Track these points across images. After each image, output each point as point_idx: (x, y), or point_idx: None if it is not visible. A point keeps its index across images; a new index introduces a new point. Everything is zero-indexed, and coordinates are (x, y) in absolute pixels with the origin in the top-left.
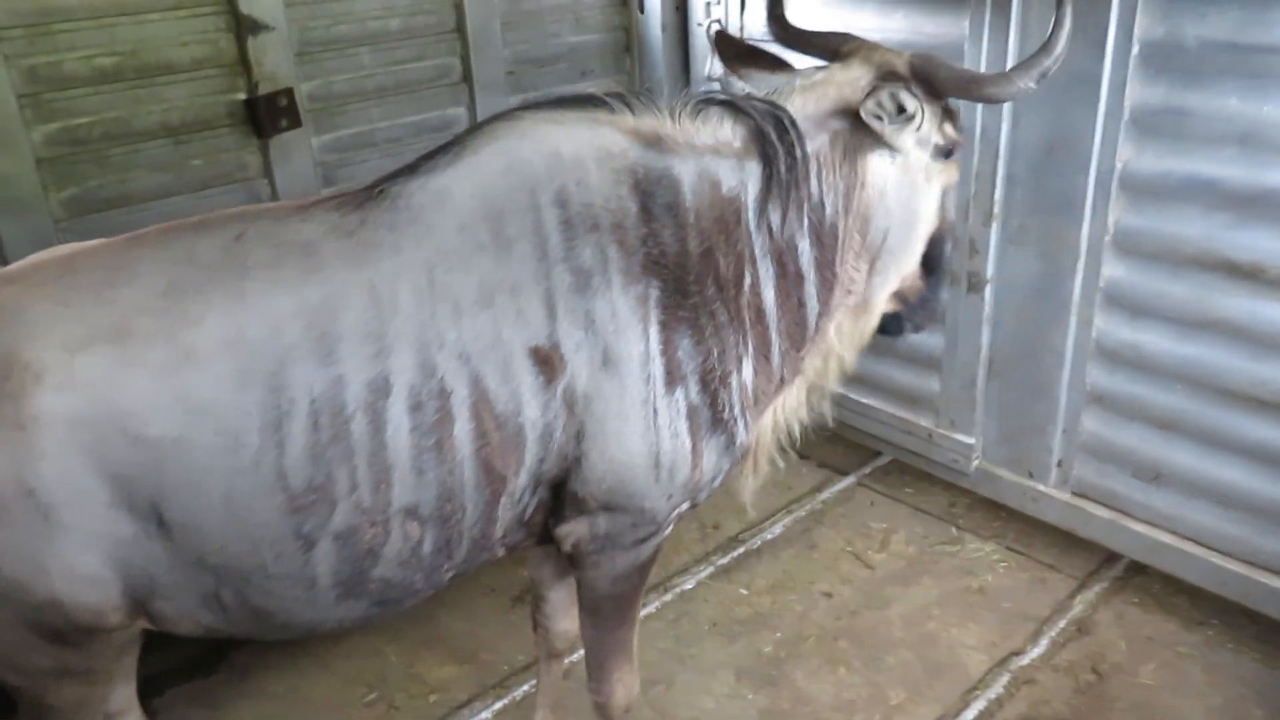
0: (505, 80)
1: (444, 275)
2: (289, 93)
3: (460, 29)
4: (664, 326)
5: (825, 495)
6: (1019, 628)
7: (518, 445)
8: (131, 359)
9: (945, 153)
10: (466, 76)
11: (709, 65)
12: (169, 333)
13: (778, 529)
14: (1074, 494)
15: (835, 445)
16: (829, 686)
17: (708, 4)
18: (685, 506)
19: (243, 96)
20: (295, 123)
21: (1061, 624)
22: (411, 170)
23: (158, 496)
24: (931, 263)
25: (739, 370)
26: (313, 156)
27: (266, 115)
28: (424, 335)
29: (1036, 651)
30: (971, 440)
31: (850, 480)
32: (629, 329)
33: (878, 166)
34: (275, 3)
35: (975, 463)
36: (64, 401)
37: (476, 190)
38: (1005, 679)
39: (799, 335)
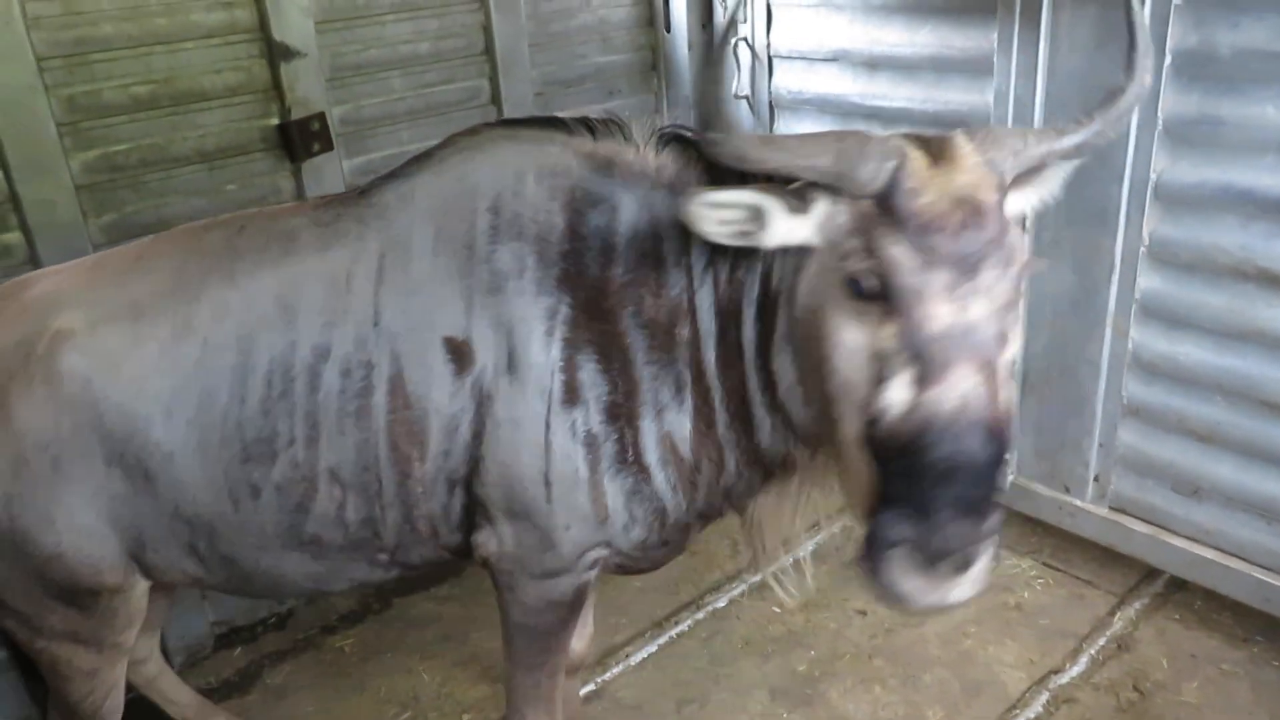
0: (534, 101)
1: (390, 263)
2: (321, 117)
3: (489, 52)
4: (568, 344)
5: None
6: (1058, 645)
7: (423, 428)
8: (143, 331)
9: (868, 292)
10: (495, 98)
11: (736, 83)
12: (174, 309)
13: (811, 546)
14: (1112, 509)
15: None
16: (865, 705)
17: (734, 22)
18: (600, 552)
19: (276, 121)
20: (327, 146)
21: (1101, 641)
22: (390, 175)
23: (145, 454)
24: (902, 475)
25: (658, 418)
26: (344, 179)
27: (299, 139)
28: (364, 312)
29: (1076, 669)
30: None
31: None
32: (534, 337)
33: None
34: (307, 29)
35: (1010, 478)
36: (84, 363)
37: (432, 193)
38: (1045, 697)
39: (744, 420)
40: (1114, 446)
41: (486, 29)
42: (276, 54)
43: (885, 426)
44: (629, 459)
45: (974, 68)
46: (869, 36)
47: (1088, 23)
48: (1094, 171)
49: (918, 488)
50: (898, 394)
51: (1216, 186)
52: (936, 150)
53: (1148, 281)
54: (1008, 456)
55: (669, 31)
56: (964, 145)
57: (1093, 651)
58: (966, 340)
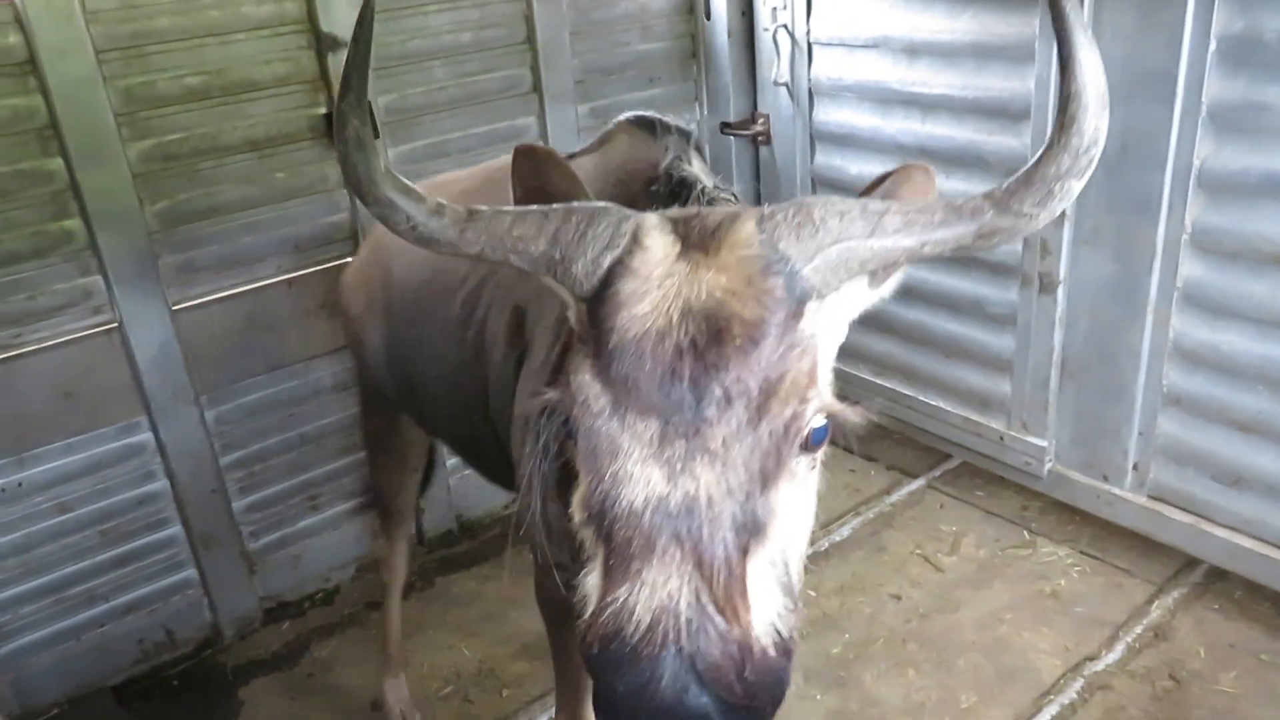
0: (574, 89)
1: None
2: (367, 106)
3: (530, 40)
4: None
5: (894, 498)
6: (1094, 633)
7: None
8: None
9: (570, 433)
10: (536, 87)
11: (775, 70)
12: None
13: (846, 531)
14: (1151, 497)
15: (905, 448)
16: (898, 689)
17: (774, 9)
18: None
19: (323, 111)
20: (373, 135)
21: (1138, 630)
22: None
23: (403, 321)
24: (599, 694)
25: None
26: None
27: None
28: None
29: (1112, 657)
30: (1044, 443)
31: (920, 483)
32: None
33: None
34: (353, 20)
35: (1048, 465)
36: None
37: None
38: (1079, 684)
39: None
40: (1154, 435)
41: (528, 18)
42: (324, 45)
43: (583, 626)
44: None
45: (1015, 54)
46: (909, 22)
47: (1130, 9)
48: (1136, 159)
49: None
50: (591, 585)
51: (1261, 174)
52: (699, 235)
53: (1190, 270)
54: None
55: (709, 19)
56: (744, 229)
57: (1129, 640)
58: (669, 525)
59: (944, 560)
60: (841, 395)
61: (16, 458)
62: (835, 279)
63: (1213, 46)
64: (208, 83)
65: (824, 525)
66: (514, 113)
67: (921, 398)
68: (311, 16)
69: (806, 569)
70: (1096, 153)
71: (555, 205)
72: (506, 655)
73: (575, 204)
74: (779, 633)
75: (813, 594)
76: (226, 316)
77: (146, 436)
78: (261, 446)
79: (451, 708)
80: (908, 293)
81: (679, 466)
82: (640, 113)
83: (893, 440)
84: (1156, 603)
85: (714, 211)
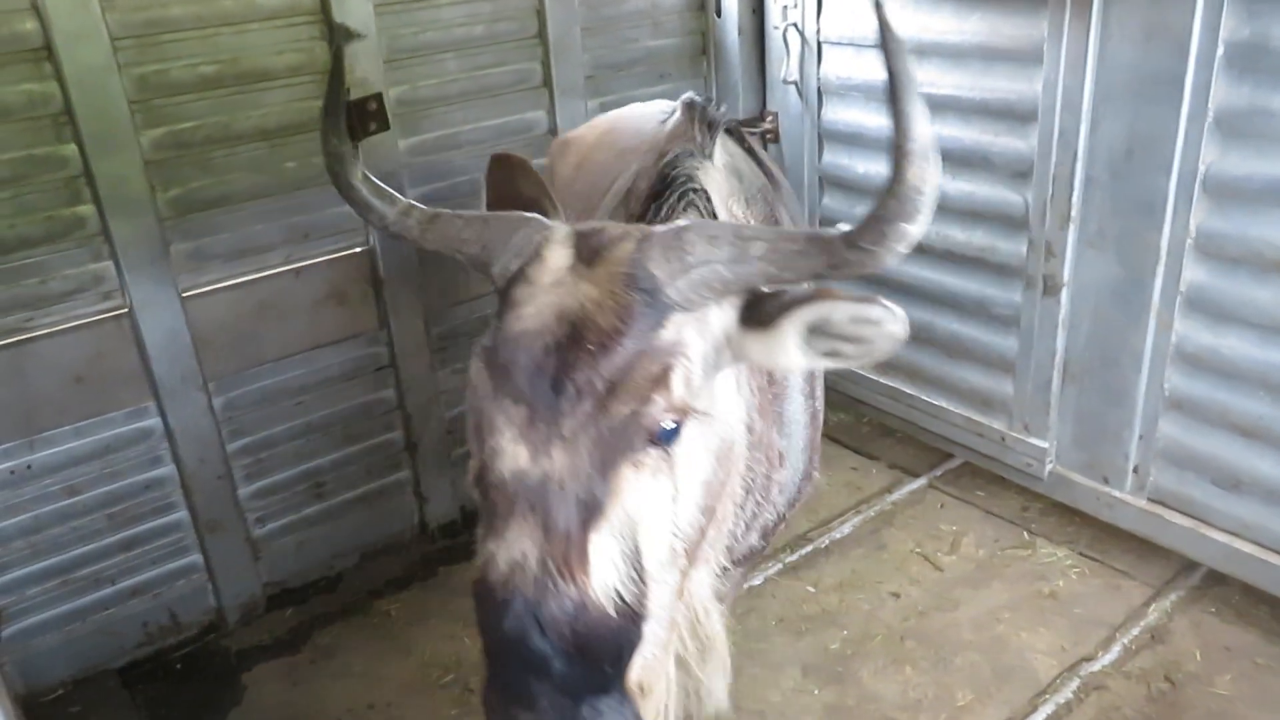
0: (584, 85)
1: None
2: (378, 97)
3: (541, 35)
4: None
5: (895, 496)
6: (1091, 634)
7: None
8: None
9: None
10: (547, 81)
11: (785, 69)
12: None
13: (847, 528)
14: (1150, 500)
15: (906, 446)
16: (895, 685)
17: (784, 8)
18: None
19: None
20: (384, 126)
21: (1135, 631)
22: None
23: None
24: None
25: None
26: (399, 158)
27: (357, 119)
28: None
29: (1108, 658)
30: (1045, 444)
31: (921, 482)
32: None
33: None
34: (366, 12)
35: (1049, 467)
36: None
37: None
38: (1075, 684)
39: None
40: (1154, 438)
41: (539, 13)
42: (337, 35)
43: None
44: None
45: (1023, 56)
46: (918, 23)
47: (1139, 13)
48: (1141, 164)
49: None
50: (480, 537)
51: (1266, 180)
52: (589, 251)
53: (1193, 274)
54: (582, 659)
55: (719, 16)
56: (623, 249)
57: (1125, 641)
58: (528, 496)
59: (943, 559)
60: (846, 395)
61: (27, 440)
62: (700, 296)
63: (1220, 52)
64: (221, 72)
65: (824, 522)
66: (524, 107)
67: (924, 397)
68: (325, 7)
69: (806, 565)
70: (925, 200)
71: (491, 214)
72: None
73: (506, 215)
74: (621, 599)
75: (812, 590)
76: (236, 304)
77: (155, 421)
78: (268, 434)
79: (452, 696)
80: (912, 292)
81: (539, 448)
82: (696, 97)
83: (895, 439)
84: (1154, 605)
85: (613, 228)
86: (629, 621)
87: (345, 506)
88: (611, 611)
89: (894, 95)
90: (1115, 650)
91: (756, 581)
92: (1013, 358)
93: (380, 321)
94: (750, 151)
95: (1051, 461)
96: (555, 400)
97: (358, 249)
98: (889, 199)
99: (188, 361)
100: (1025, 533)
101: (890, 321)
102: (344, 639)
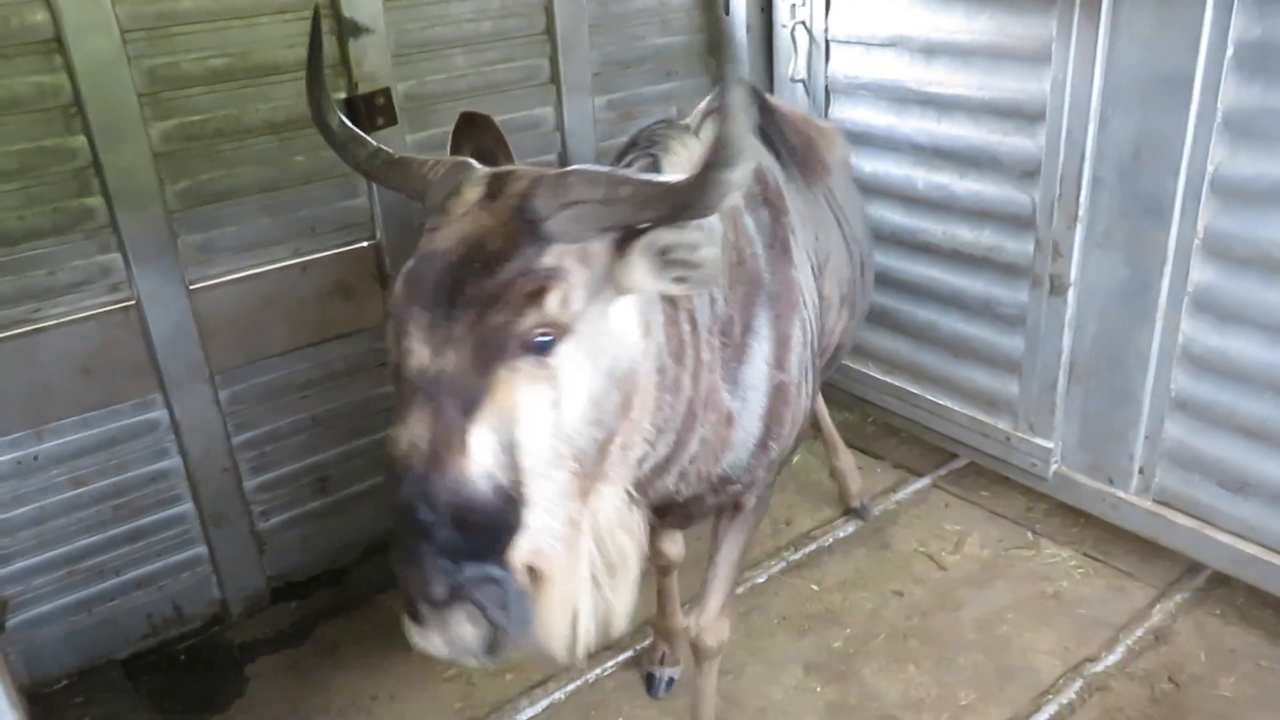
0: (592, 81)
1: None
2: (386, 92)
3: (550, 32)
4: None
5: (900, 495)
6: (1094, 634)
7: None
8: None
9: None
10: (554, 78)
11: (792, 67)
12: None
13: (850, 527)
14: (1156, 502)
15: (911, 446)
16: (898, 684)
17: (792, 6)
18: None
19: (343, 96)
20: (391, 120)
21: (1139, 632)
22: None
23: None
24: None
25: None
26: (406, 153)
27: (365, 113)
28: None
29: (1112, 659)
30: (1050, 444)
31: (925, 481)
32: None
33: None
34: (375, 6)
35: (1054, 467)
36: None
37: None
38: (1078, 685)
39: None
40: (1160, 439)
41: (548, 9)
42: (346, 30)
43: None
44: None
45: (1032, 56)
46: (927, 22)
47: (1148, 12)
48: (1149, 164)
49: None
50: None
51: (1275, 180)
52: (496, 188)
53: (1201, 275)
54: (463, 532)
55: (727, 14)
56: (518, 186)
57: (1129, 642)
58: (426, 389)
59: (947, 559)
60: (850, 394)
61: (34, 431)
62: (577, 229)
63: (1230, 52)
64: (230, 65)
65: (828, 521)
66: (531, 103)
67: (929, 397)
68: (334, 2)
69: (809, 563)
70: (740, 151)
71: (438, 158)
72: None
73: (449, 159)
74: (497, 481)
75: (815, 588)
76: (243, 297)
77: (161, 414)
78: (274, 427)
79: (455, 690)
80: (918, 291)
81: (437, 349)
82: (744, 80)
83: (899, 439)
84: (1158, 606)
85: (521, 171)
86: (505, 503)
87: (350, 501)
88: (487, 491)
89: (725, 115)
90: (1119, 651)
91: (759, 579)
92: (1018, 358)
93: (386, 316)
94: (780, 149)
95: (1056, 462)
96: (450, 309)
97: (364, 243)
98: (713, 153)
99: (194, 354)
100: (1029, 533)
101: (706, 243)
102: (347, 632)
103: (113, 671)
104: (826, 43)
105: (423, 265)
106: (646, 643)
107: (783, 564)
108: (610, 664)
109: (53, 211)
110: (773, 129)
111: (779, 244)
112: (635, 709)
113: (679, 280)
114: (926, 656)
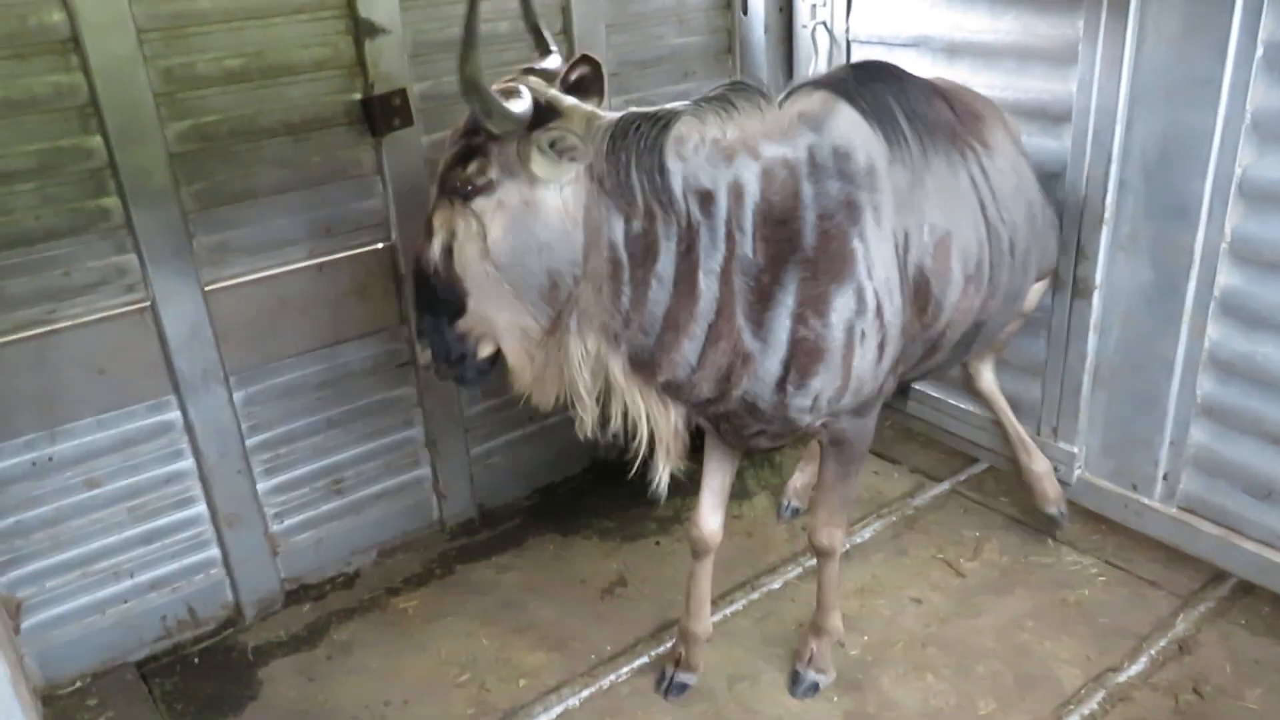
0: (610, 81)
1: None
2: (402, 93)
3: (567, 31)
4: None
5: (918, 501)
6: (1117, 644)
7: None
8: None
9: None
10: None
11: (812, 67)
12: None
13: (867, 533)
14: (1180, 508)
15: (929, 450)
16: (916, 693)
17: (813, 6)
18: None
19: (359, 96)
20: (407, 121)
21: (1162, 642)
22: None
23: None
24: None
25: None
26: (422, 154)
27: (381, 114)
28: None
29: (1135, 669)
30: (1074, 449)
31: (944, 487)
32: None
33: None
34: (392, 7)
35: (1076, 473)
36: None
37: None
38: (1100, 695)
39: None
40: (1185, 445)
41: (565, 9)
42: (362, 30)
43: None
44: None
45: (1058, 56)
46: (950, 22)
47: (1176, 13)
48: (1176, 166)
49: None
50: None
51: None
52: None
53: (1227, 279)
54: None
55: (746, 14)
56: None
57: (1152, 652)
58: (429, 219)
59: (966, 565)
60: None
61: (49, 432)
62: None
63: (1259, 53)
64: (246, 65)
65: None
66: None
67: (949, 400)
68: (350, 2)
69: None
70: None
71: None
72: (524, 644)
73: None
74: (436, 265)
75: None
76: (258, 298)
77: (175, 415)
78: (288, 429)
79: (469, 695)
80: None
81: (433, 198)
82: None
83: (917, 443)
84: (1182, 615)
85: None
86: (448, 283)
87: (364, 503)
88: (432, 267)
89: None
90: (1142, 661)
91: (775, 585)
92: (1041, 361)
93: (401, 317)
94: (902, 125)
95: (1080, 467)
96: (439, 175)
97: (380, 245)
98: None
99: (209, 355)
100: (1050, 540)
101: (571, 137)
102: (361, 635)
103: (126, 674)
104: (848, 43)
105: (442, 160)
106: (663, 649)
107: (799, 569)
108: (625, 670)
109: (68, 212)
110: (901, 103)
111: (842, 216)
112: (650, 716)
113: (570, 160)
114: (945, 665)
